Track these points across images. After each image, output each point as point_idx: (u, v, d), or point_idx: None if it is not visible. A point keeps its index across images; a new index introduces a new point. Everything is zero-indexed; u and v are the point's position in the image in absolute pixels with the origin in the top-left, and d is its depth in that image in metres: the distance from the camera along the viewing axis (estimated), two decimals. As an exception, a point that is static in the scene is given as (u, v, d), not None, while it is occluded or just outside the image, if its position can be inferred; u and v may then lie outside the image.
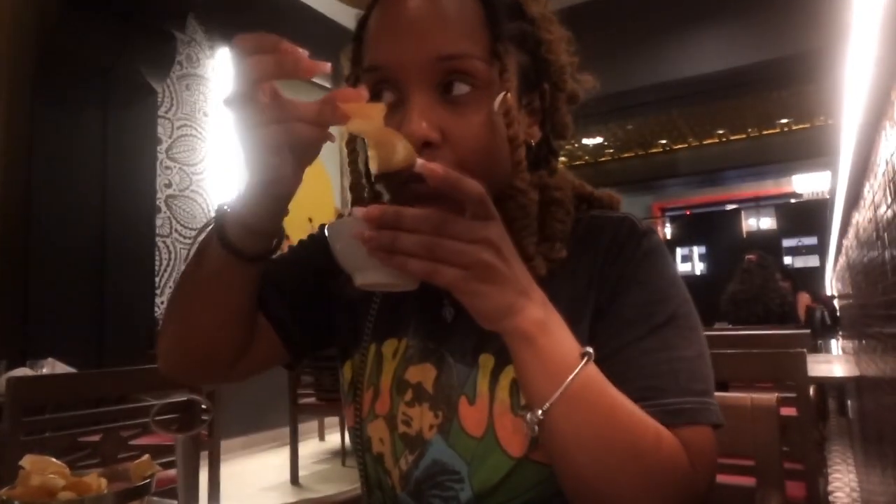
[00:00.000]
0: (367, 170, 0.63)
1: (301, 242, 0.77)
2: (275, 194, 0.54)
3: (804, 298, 5.67)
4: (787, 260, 10.35)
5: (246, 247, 0.57)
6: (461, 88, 0.56)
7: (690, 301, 0.60)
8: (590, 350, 0.50)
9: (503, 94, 0.56)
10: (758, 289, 4.21)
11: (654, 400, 0.54)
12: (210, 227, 0.58)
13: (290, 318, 0.70)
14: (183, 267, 0.63)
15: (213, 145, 4.68)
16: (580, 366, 0.49)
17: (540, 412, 0.48)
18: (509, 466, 0.58)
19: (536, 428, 0.48)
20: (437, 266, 0.44)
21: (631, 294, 0.58)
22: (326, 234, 0.50)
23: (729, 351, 1.64)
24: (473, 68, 0.56)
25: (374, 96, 0.59)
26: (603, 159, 10.78)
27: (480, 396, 0.60)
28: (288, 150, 0.50)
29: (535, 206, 0.60)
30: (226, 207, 0.57)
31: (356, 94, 0.49)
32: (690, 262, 11.42)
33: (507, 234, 0.48)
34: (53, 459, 0.62)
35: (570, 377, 0.48)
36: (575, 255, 0.61)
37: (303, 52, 0.48)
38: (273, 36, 0.48)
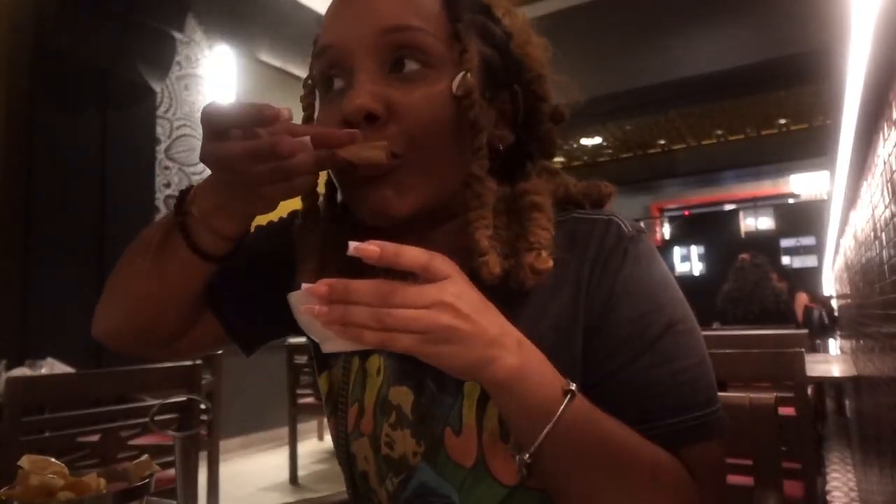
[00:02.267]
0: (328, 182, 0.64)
1: (260, 228, 0.71)
2: (251, 217, 0.56)
3: (802, 298, 5.68)
4: (786, 260, 10.35)
5: (209, 248, 0.57)
6: (412, 65, 0.54)
7: (685, 302, 0.58)
8: (572, 387, 0.48)
9: (462, 73, 0.54)
10: (752, 287, 4.24)
11: (659, 421, 0.53)
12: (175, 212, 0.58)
13: (236, 306, 0.67)
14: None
15: (212, 145, 4.68)
16: (563, 405, 0.47)
17: (527, 455, 0.47)
18: (503, 495, 0.56)
19: (525, 470, 0.48)
20: (391, 335, 0.44)
21: (624, 308, 0.55)
22: (290, 303, 0.50)
23: (727, 351, 1.64)
24: (423, 43, 0.54)
25: (325, 83, 0.57)
26: (601, 159, 10.79)
27: (467, 427, 0.57)
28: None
29: (493, 197, 0.56)
30: (193, 205, 0.56)
31: (349, 136, 0.49)
32: (689, 263, 11.42)
33: (466, 287, 0.47)
34: (52, 459, 0.62)
35: (553, 420, 0.46)
36: (558, 263, 0.55)
37: (298, 145, 0.49)
38: (265, 111, 0.48)
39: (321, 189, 0.64)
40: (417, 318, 0.43)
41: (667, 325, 0.54)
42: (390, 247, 0.44)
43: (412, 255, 0.45)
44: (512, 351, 0.47)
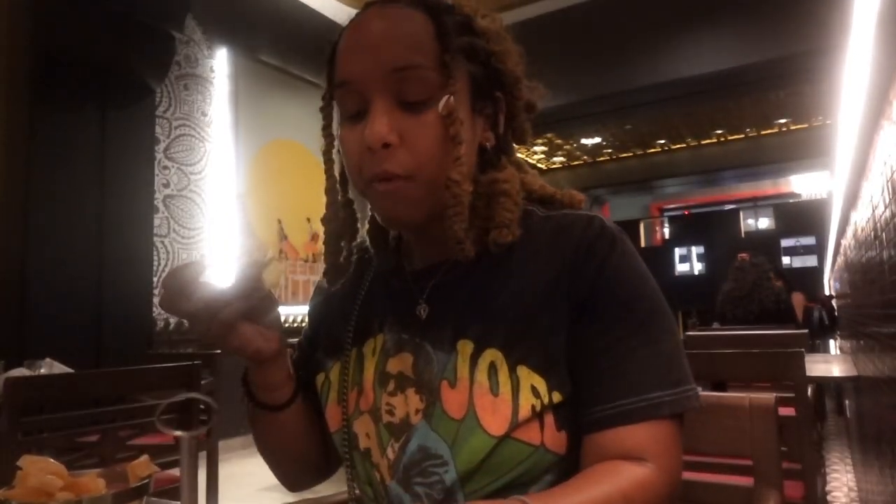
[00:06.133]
0: (342, 177, 0.71)
1: (299, 343, 0.84)
2: (258, 361, 0.67)
3: (798, 299, 5.67)
4: (786, 260, 10.36)
5: (264, 398, 0.71)
6: (416, 96, 0.63)
7: (661, 293, 0.66)
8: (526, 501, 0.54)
9: (446, 97, 0.63)
10: (751, 286, 4.25)
11: (645, 394, 0.60)
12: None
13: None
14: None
15: (212, 145, 4.68)
16: None
17: None
18: (490, 445, 0.61)
19: None
20: None
21: (613, 291, 0.63)
22: None
23: (727, 350, 1.64)
24: (425, 77, 0.63)
25: (345, 108, 0.67)
26: (601, 159, 10.78)
27: (461, 380, 0.64)
28: (238, 344, 0.63)
29: (469, 196, 0.65)
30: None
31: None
32: (689, 263, 11.43)
33: None
34: (51, 460, 0.62)
35: None
36: (545, 249, 0.67)
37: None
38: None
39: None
40: None
41: (650, 311, 0.63)
42: None
43: None
44: None
